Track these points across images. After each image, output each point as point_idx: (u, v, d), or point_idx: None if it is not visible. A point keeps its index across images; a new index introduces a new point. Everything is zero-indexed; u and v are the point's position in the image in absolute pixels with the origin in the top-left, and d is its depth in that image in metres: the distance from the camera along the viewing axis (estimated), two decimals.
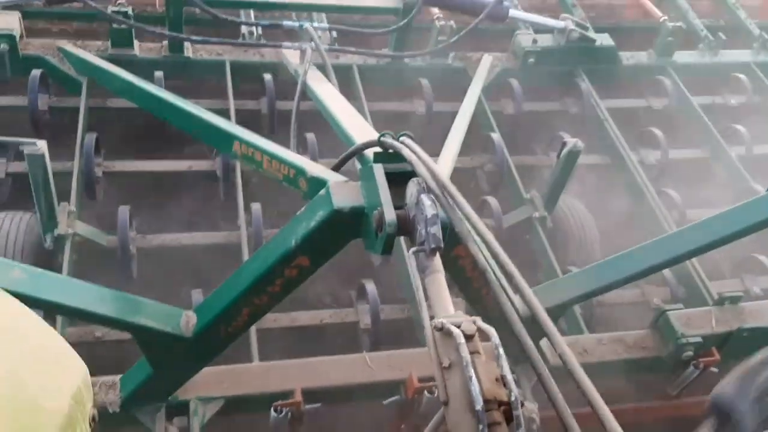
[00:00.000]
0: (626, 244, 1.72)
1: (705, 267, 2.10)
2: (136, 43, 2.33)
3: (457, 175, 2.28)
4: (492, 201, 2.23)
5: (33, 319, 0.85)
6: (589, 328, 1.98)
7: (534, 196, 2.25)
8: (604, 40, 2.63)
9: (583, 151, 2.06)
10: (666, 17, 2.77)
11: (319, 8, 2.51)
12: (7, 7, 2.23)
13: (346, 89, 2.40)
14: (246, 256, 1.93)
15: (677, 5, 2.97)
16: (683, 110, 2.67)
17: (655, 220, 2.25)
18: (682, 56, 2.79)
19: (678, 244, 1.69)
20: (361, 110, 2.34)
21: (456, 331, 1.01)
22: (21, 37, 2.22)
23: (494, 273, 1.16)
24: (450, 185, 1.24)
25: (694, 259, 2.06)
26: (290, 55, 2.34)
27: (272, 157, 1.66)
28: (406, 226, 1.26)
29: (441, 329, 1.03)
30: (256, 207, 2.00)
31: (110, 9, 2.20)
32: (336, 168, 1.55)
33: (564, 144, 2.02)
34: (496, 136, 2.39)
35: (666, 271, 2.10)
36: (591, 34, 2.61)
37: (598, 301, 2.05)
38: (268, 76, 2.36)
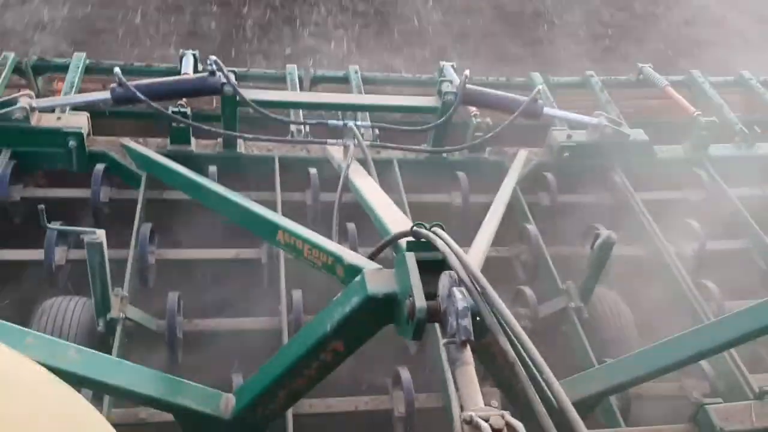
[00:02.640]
0: (663, 336, 1.73)
1: (745, 359, 2.07)
2: (193, 139, 2.50)
3: (493, 264, 2.34)
4: (527, 291, 2.26)
5: (84, 406, 0.90)
6: (626, 420, 1.95)
7: (570, 286, 2.26)
8: (638, 135, 2.70)
9: (619, 243, 2.09)
10: (699, 112, 2.83)
11: (363, 108, 2.67)
12: (78, 108, 2.41)
13: (387, 182, 2.50)
14: (286, 341, 1.99)
15: (711, 100, 3.04)
16: (720, 202, 2.69)
17: (693, 312, 2.23)
18: (717, 149, 2.83)
19: (716, 335, 1.67)
20: (400, 202, 2.43)
21: (484, 425, 1.03)
22: (88, 134, 2.40)
23: (525, 366, 1.19)
24: (481, 277, 1.29)
25: (733, 351, 2.03)
26: (334, 151, 2.46)
27: (312, 245, 1.74)
28: (437, 316, 1.30)
29: (470, 422, 1.06)
30: (296, 294, 2.07)
31: (171, 109, 2.38)
32: (372, 256, 1.62)
33: (597, 236, 2.06)
34: (531, 227, 2.43)
35: (704, 363, 2.07)
36: (625, 129, 2.68)
37: (635, 392, 2.02)
38: (313, 170, 2.48)
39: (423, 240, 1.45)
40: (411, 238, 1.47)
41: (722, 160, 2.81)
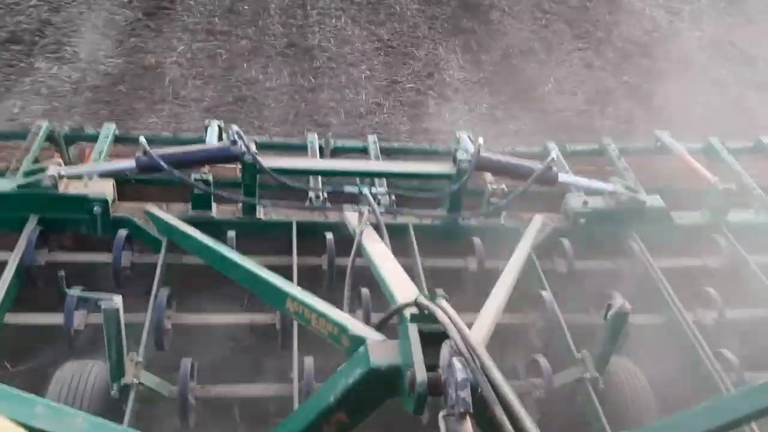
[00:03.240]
0: (681, 407, 1.69)
1: None
2: (214, 205, 2.57)
3: (507, 331, 2.33)
4: (542, 360, 2.23)
5: None
6: None
7: (585, 355, 2.23)
8: (654, 201, 2.70)
9: (636, 311, 2.07)
10: (717, 179, 2.82)
11: (379, 174, 2.73)
12: (104, 176, 2.49)
13: (402, 247, 2.54)
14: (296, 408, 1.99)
15: (730, 167, 3.03)
16: (739, 269, 2.65)
17: (712, 382, 2.19)
18: (736, 215, 2.81)
19: (736, 407, 1.64)
20: (415, 267, 2.46)
21: None
22: (113, 200, 2.47)
23: None
24: (480, 348, 1.30)
25: (753, 424, 1.98)
26: (350, 217, 2.50)
27: (319, 314, 1.76)
28: (438, 388, 1.31)
29: None
30: (308, 360, 2.07)
31: (193, 177, 2.47)
32: (377, 327, 1.63)
33: (609, 306, 2.04)
34: (546, 294, 2.42)
35: None
36: (641, 195, 2.68)
37: None
38: (329, 235, 2.52)
39: (426, 312, 1.46)
40: (415, 310, 1.49)
41: (741, 226, 2.78)
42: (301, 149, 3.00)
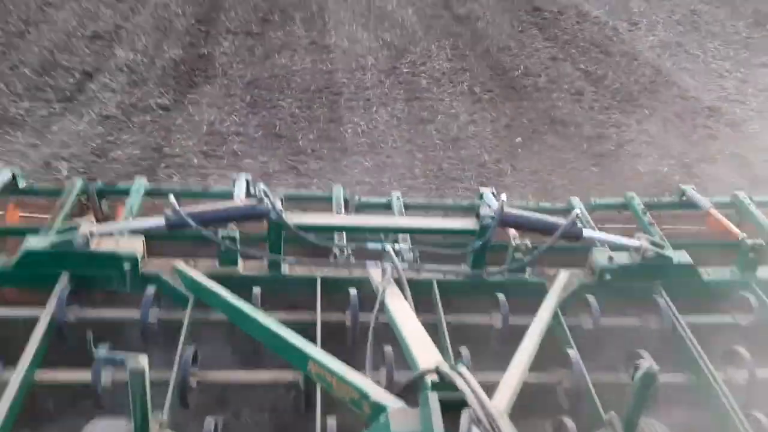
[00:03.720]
0: None
1: None
2: (240, 261, 2.60)
3: (532, 391, 2.30)
4: (569, 423, 2.19)
5: None
6: None
7: (613, 417, 2.17)
8: (681, 257, 2.67)
9: (664, 369, 2.03)
10: (745, 234, 2.78)
11: (402, 230, 2.76)
12: (134, 233, 2.54)
13: (426, 303, 2.53)
14: None
15: (758, 221, 2.99)
16: None
17: None
18: (765, 272, 2.75)
19: None
20: (438, 323, 2.46)
21: None
22: (143, 257, 2.51)
23: None
24: (501, 419, 1.29)
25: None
26: (374, 273, 2.51)
27: (340, 378, 1.76)
28: None
29: None
30: (331, 421, 2.06)
31: (221, 234, 2.51)
32: (399, 393, 1.63)
33: (637, 365, 2.01)
34: (573, 352, 2.39)
35: None
36: (668, 251, 2.65)
37: None
38: (353, 291, 2.52)
39: (447, 380, 1.46)
40: (435, 377, 1.48)
41: None
42: (326, 201, 3.04)
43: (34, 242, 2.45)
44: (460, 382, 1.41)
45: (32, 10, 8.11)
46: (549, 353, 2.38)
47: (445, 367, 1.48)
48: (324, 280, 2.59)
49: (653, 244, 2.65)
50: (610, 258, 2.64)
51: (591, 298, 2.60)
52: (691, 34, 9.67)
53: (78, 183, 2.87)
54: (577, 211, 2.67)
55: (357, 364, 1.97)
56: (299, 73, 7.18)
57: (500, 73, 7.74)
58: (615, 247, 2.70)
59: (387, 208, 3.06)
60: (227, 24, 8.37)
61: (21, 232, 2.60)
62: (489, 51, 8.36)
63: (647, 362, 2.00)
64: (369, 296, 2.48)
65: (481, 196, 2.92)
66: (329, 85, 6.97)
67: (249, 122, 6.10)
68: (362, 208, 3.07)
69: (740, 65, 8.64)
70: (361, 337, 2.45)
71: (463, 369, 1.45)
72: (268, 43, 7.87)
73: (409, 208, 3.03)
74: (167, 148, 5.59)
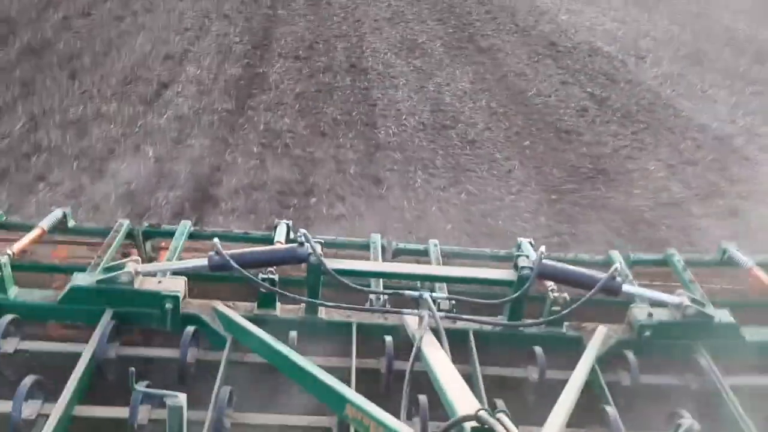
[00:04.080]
0: None
1: None
2: (278, 304, 2.63)
3: None
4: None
5: None
6: None
7: None
8: (723, 316, 2.60)
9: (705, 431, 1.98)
10: None
11: (439, 279, 2.76)
12: (177, 273, 2.59)
13: (462, 353, 2.52)
14: None
15: None
16: None
17: None
18: None
19: None
20: (474, 374, 2.43)
21: None
22: (184, 297, 2.56)
23: None
24: None
25: None
26: (410, 321, 2.49)
27: (378, 423, 1.75)
28: None
29: None
30: None
31: (260, 276, 2.53)
32: None
33: (678, 426, 1.96)
34: (611, 409, 2.33)
35: None
36: (709, 309, 2.59)
37: None
38: (388, 338, 2.53)
39: (486, 426, 1.45)
40: (475, 423, 1.47)
41: None
42: (363, 248, 3.05)
43: (81, 279, 2.52)
44: (500, 429, 1.40)
45: (113, 37, 9.48)
46: (586, 409, 2.33)
47: (486, 414, 1.47)
48: (360, 326, 2.59)
49: (694, 301, 2.58)
50: (650, 314, 2.58)
51: (630, 355, 2.55)
52: (694, 68, 10.45)
53: (125, 224, 2.95)
54: (617, 265, 2.63)
55: (390, 412, 1.95)
56: (340, 88, 8.40)
57: (515, 93, 8.85)
58: (655, 304, 2.64)
59: (424, 254, 3.05)
60: (278, 50, 9.65)
61: (68, 270, 2.67)
62: (506, 76, 9.41)
63: (689, 421, 1.95)
64: (404, 344, 2.47)
65: (518, 246, 2.87)
66: (366, 99, 8.16)
67: (298, 123, 7.31)
68: (399, 253, 3.07)
69: (735, 93, 9.54)
70: (394, 384, 2.42)
71: (503, 417, 1.44)
72: (313, 65, 9.12)
73: (446, 255, 3.02)
74: (231, 140, 6.82)
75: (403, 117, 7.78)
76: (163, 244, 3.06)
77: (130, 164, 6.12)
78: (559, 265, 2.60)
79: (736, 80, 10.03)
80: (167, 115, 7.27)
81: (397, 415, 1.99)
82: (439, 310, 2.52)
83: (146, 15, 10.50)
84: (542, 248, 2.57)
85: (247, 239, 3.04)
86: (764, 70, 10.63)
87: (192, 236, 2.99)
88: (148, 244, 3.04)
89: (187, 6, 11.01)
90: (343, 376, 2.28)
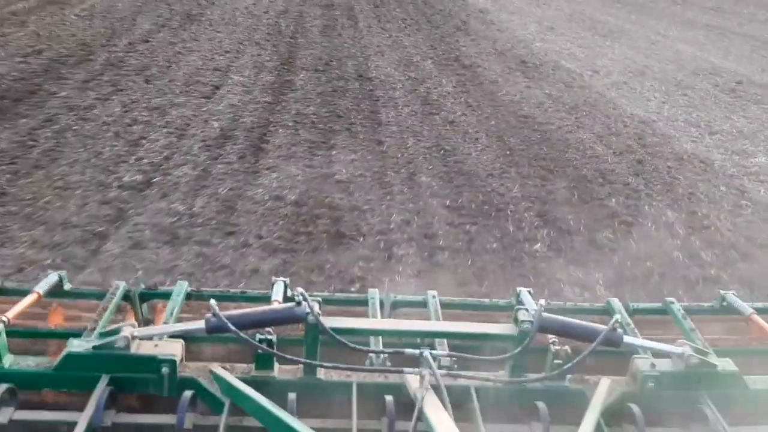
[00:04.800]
0: None
1: None
2: (276, 366, 1.85)
3: None
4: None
5: None
6: None
7: None
8: (726, 365, 1.83)
9: None
10: None
11: (439, 335, 1.97)
12: (174, 336, 1.83)
13: (465, 410, 1.75)
14: None
15: None
16: None
17: None
18: None
19: None
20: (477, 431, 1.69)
21: None
22: (181, 360, 1.81)
23: None
24: None
25: None
26: (411, 379, 1.74)
27: None
28: None
29: None
30: None
31: (258, 337, 1.77)
32: None
33: None
34: None
35: None
36: (712, 359, 1.82)
37: None
38: (389, 398, 1.77)
39: None
40: None
41: None
42: (362, 304, 2.23)
43: (77, 345, 1.78)
44: None
45: (171, 56, 9.29)
46: None
47: None
48: (360, 386, 1.83)
49: (697, 351, 1.81)
50: (653, 365, 1.82)
51: (635, 407, 1.76)
52: (637, 78, 10.02)
53: (121, 287, 2.13)
54: (617, 317, 1.85)
55: None
56: (350, 90, 8.35)
57: (488, 93, 8.66)
58: (657, 354, 1.87)
59: (423, 306, 2.24)
60: (301, 65, 9.44)
61: (64, 335, 1.88)
62: (482, 83, 9.16)
63: None
64: (405, 403, 1.73)
65: (518, 295, 2.12)
66: (370, 96, 8.18)
67: (320, 111, 7.45)
68: (397, 306, 2.26)
69: (667, 95, 9.19)
70: None
71: None
72: (329, 75, 8.99)
73: (445, 307, 2.21)
74: (272, 119, 7.07)
75: (400, 107, 7.87)
76: (160, 305, 2.26)
77: (203, 130, 6.54)
78: (560, 318, 1.83)
79: (671, 87, 9.71)
80: (223, 103, 7.45)
81: None
82: (440, 367, 1.75)
83: (193, 42, 10.23)
84: (542, 301, 1.81)
85: (244, 298, 2.26)
86: (697, 80, 10.16)
87: (189, 297, 2.20)
88: (145, 306, 2.24)
89: (225, 36, 10.74)
90: None
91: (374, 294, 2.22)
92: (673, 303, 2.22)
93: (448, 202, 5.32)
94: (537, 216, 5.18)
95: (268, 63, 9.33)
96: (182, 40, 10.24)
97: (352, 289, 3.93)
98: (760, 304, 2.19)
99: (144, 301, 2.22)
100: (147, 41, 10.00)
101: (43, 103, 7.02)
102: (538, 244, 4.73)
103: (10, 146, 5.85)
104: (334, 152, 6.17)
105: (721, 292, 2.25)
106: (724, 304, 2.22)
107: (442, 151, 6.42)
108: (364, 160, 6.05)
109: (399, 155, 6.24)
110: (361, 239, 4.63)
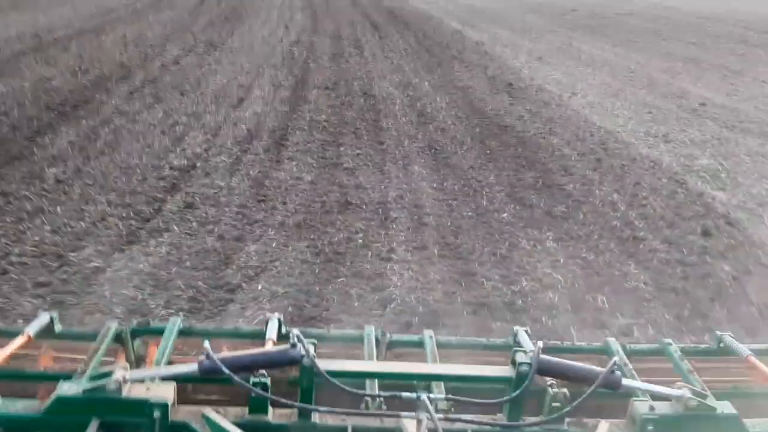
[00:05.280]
0: None
1: None
2: (270, 409, 1.93)
3: None
4: None
5: None
6: None
7: None
8: (725, 408, 1.92)
9: None
10: None
11: (436, 378, 2.02)
12: (166, 379, 1.85)
13: None
14: None
15: None
16: None
17: None
18: None
19: None
20: None
21: None
22: (173, 403, 1.82)
23: None
24: None
25: None
26: (408, 424, 1.82)
27: None
28: None
29: None
30: None
31: (252, 380, 1.84)
32: None
33: None
34: None
35: None
36: (711, 401, 1.93)
37: None
38: None
39: None
40: None
41: None
42: (357, 341, 2.31)
43: (66, 389, 1.78)
44: None
45: (200, 75, 11.13)
46: None
47: None
48: (356, 430, 1.91)
49: (695, 393, 1.92)
50: (652, 408, 1.91)
51: None
52: (610, 99, 11.37)
53: (112, 328, 2.18)
54: (615, 359, 1.93)
55: None
56: (356, 104, 9.95)
57: (476, 109, 10.17)
58: (655, 396, 1.98)
59: (419, 346, 2.33)
60: (313, 85, 11.09)
61: (54, 378, 1.90)
62: (472, 101, 10.66)
63: None
64: None
65: (515, 336, 2.14)
66: (373, 108, 9.82)
67: (330, 118, 8.95)
68: (393, 345, 2.33)
69: (635, 113, 10.49)
70: None
71: None
72: (338, 92, 10.61)
73: (441, 347, 2.29)
74: (289, 124, 8.65)
75: (398, 117, 9.26)
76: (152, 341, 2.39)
77: (233, 130, 8.07)
78: (557, 360, 1.95)
79: (639, 106, 10.90)
80: (248, 112, 8.94)
81: None
82: (437, 410, 1.87)
83: (217, 65, 11.83)
84: (540, 343, 1.93)
85: (237, 335, 2.31)
86: (664, 101, 11.42)
87: (182, 333, 2.30)
88: (138, 341, 2.29)
89: (245, 60, 12.29)
90: None
91: (370, 331, 2.20)
92: (670, 344, 2.24)
93: (435, 185, 6.72)
94: (506, 196, 6.57)
95: (284, 82, 10.62)
96: (208, 63, 11.94)
97: (352, 250, 5.06)
98: (756, 346, 2.21)
99: (136, 337, 2.30)
100: (177, 63, 11.77)
101: (97, 109, 8.65)
102: (505, 214, 6.09)
103: (77, 139, 7.37)
104: (342, 148, 7.79)
105: (718, 333, 2.27)
106: (721, 345, 2.23)
107: (432, 150, 7.90)
108: (366, 155, 7.53)
109: (396, 152, 7.71)
110: (364, 206, 6.03)
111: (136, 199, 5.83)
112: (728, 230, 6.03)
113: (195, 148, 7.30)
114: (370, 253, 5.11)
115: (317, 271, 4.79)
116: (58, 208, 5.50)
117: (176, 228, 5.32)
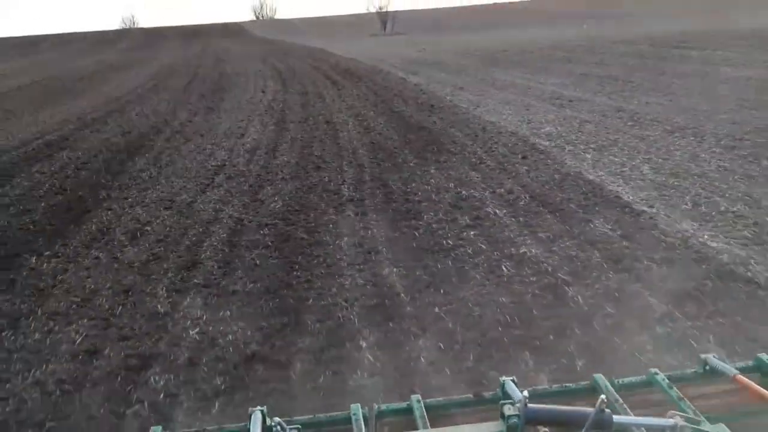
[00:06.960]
0: None
1: None
2: None
3: None
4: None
5: None
6: None
7: None
8: (720, 431, 1.80)
9: None
10: None
11: None
12: None
13: None
14: None
15: None
16: None
17: None
18: None
19: None
20: None
21: None
22: None
23: None
24: None
25: None
26: None
27: None
28: None
29: None
30: None
31: None
32: None
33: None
34: None
35: None
36: (705, 426, 1.81)
37: None
38: None
39: None
40: None
41: None
42: (345, 422, 2.07)
43: None
44: None
45: (210, 126, 16.14)
46: None
47: None
48: None
49: (688, 420, 1.82)
50: None
51: None
52: (504, 106, 16.22)
53: None
54: (603, 397, 1.79)
55: None
56: (321, 128, 14.98)
57: (403, 122, 14.91)
58: (650, 429, 1.84)
59: (408, 412, 2.13)
60: (290, 120, 16.41)
61: None
62: (403, 117, 15.57)
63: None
64: None
65: (502, 386, 2.09)
66: (333, 130, 14.83)
67: (304, 135, 13.98)
68: (383, 416, 2.13)
69: (516, 110, 15.45)
70: None
71: None
72: (308, 123, 15.79)
73: (430, 409, 2.11)
74: (277, 141, 13.63)
75: (350, 131, 14.20)
76: None
77: (242, 147, 13.27)
78: (546, 407, 1.88)
79: (521, 107, 16.02)
80: (249, 139, 13.95)
81: None
82: None
83: (218, 119, 16.95)
84: (525, 393, 1.87)
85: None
86: (541, 102, 16.56)
87: None
88: None
89: (238, 115, 17.43)
90: None
91: (357, 410, 2.09)
92: (657, 374, 2.22)
93: (371, 156, 12.01)
94: (413, 156, 11.83)
95: (269, 122, 16.05)
96: (211, 119, 17.52)
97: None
98: (741, 364, 2.25)
99: None
100: (190, 121, 17.34)
101: (152, 146, 14.01)
102: (411, 163, 11.32)
103: (149, 161, 12.62)
104: (313, 148, 13.14)
105: (702, 356, 2.26)
106: (707, 367, 2.22)
107: (371, 143, 13.20)
108: (329, 149, 12.84)
109: (348, 147, 13.04)
110: (329, 169, 11.28)
111: (199, 179, 10.99)
112: (539, 156, 11.28)
113: (222, 157, 12.54)
114: (332, 184, 10.28)
115: (301, 195, 9.93)
116: (157, 188, 10.62)
117: (224, 185, 10.47)
